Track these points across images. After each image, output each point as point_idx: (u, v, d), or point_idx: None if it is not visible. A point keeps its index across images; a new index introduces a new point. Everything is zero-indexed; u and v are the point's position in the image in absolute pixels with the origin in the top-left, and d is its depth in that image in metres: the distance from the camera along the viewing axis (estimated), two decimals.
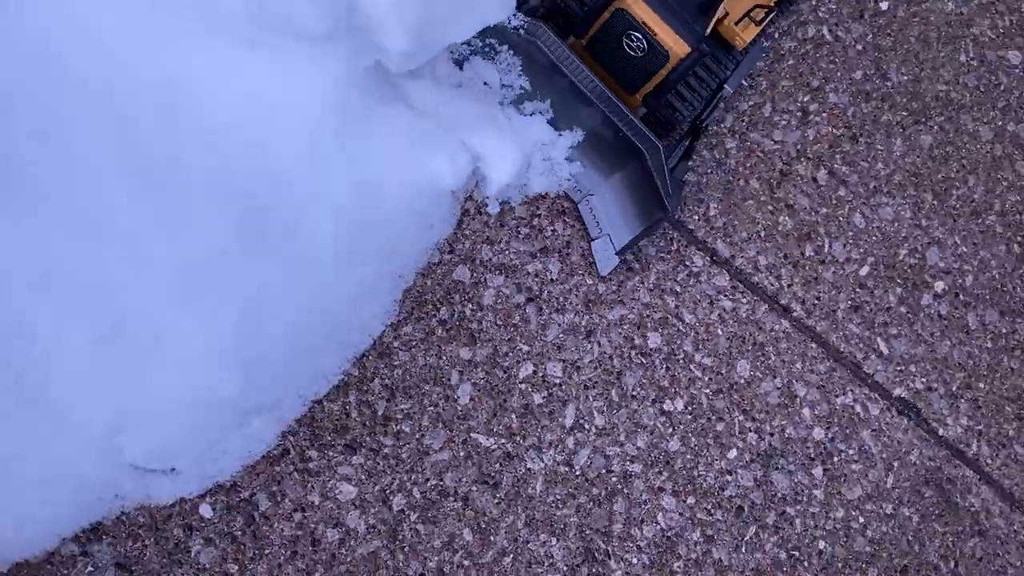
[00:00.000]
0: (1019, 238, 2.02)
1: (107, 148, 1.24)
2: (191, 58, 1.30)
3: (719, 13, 1.55)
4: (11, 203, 1.17)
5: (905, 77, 2.02)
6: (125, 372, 1.26)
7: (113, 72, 1.26)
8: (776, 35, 1.93)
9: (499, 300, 1.67)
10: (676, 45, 1.55)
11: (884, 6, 2.04)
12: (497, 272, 1.68)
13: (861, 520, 1.78)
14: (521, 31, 1.55)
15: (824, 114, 1.93)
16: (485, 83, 1.73)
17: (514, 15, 1.53)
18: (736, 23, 1.59)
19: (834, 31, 1.98)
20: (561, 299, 1.70)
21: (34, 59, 1.27)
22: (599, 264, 1.69)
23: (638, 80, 1.62)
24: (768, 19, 1.62)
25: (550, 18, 1.63)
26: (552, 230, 1.73)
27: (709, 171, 1.83)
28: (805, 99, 1.92)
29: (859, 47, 1.99)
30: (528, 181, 1.69)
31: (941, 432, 1.87)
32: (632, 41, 1.56)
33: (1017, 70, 2.12)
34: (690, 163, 1.77)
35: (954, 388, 1.90)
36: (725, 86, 1.68)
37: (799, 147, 1.89)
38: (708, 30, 1.54)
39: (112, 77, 1.24)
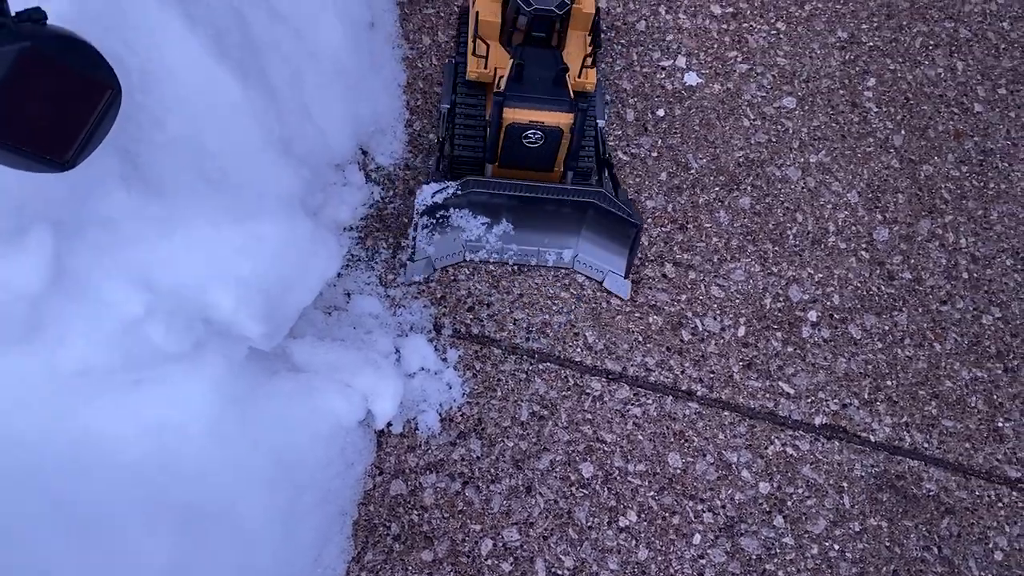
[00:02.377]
0: (863, 245, 2.23)
1: (39, 517, 1.41)
2: (89, 418, 1.49)
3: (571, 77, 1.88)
4: None
5: (704, 160, 2.27)
6: None
7: (28, 456, 1.45)
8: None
9: (439, 496, 1.81)
10: (562, 120, 1.84)
11: (661, 113, 2.32)
12: (428, 472, 1.83)
13: (836, 547, 1.87)
14: (458, 193, 1.85)
15: (648, 220, 2.16)
16: (371, 314, 1.96)
17: (446, 187, 1.86)
18: (579, 77, 1.93)
19: (627, 150, 2.25)
20: (493, 470, 1.85)
21: None
22: (620, 293, 2.03)
23: (549, 160, 1.92)
24: (595, 58, 1.96)
25: (468, 171, 1.99)
26: (461, 415, 1.90)
27: (573, 306, 2.03)
28: None
29: (654, 154, 2.26)
30: (422, 399, 1.88)
31: (872, 438, 2.00)
32: (530, 139, 1.86)
33: (796, 111, 2.40)
34: (621, 186, 2.06)
35: (866, 396, 2.04)
36: (598, 122, 2.05)
37: (639, 255, 2.11)
38: (572, 94, 1.86)
39: (25, 463, 1.43)
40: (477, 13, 1.91)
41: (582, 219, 1.98)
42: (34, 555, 1.42)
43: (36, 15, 1.29)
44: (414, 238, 1.93)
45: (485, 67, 1.93)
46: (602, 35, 2.31)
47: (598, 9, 1.97)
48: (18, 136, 1.30)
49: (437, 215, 1.92)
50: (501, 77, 1.88)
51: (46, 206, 1.41)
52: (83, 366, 1.48)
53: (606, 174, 2.04)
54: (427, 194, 1.86)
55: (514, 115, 1.83)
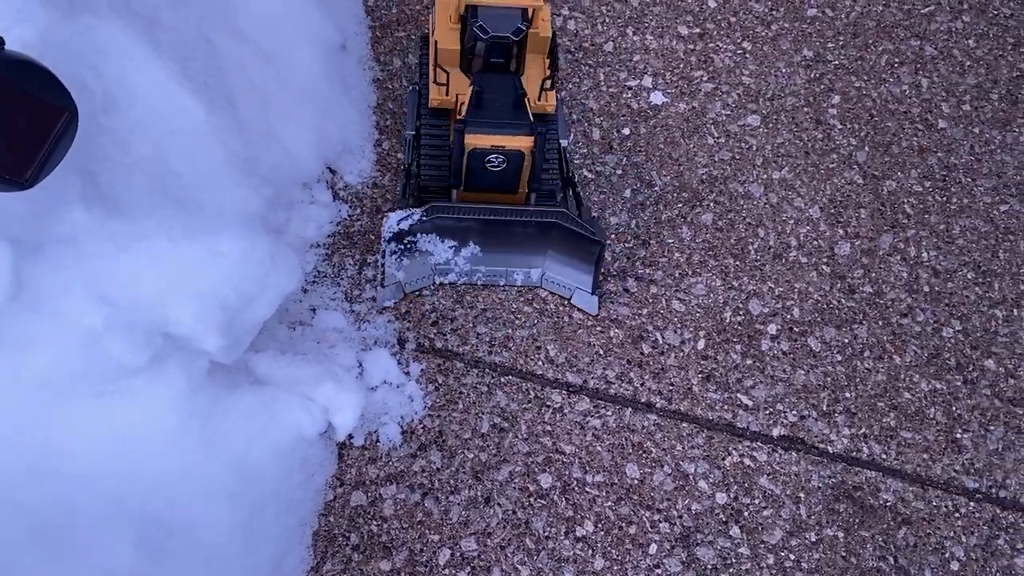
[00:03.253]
0: (824, 259, 2.26)
1: (4, 522, 1.45)
2: (52, 428, 1.54)
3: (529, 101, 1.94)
4: None
5: (668, 177, 2.32)
6: None
7: None
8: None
9: (398, 506, 1.85)
10: (523, 143, 1.89)
11: (626, 131, 2.37)
12: (389, 483, 1.87)
13: (792, 557, 1.90)
14: (423, 219, 1.91)
15: (612, 236, 2.20)
16: (335, 329, 2.01)
17: (413, 214, 1.90)
18: (539, 100, 1.98)
19: (592, 168, 2.29)
20: (452, 481, 1.89)
21: None
22: (588, 309, 2.08)
23: (512, 183, 1.97)
24: (554, 81, 2.01)
25: (435, 196, 2.04)
26: (423, 427, 1.93)
27: (536, 321, 2.07)
28: None
29: (619, 172, 2.30)
30: (384, 412, 1.92)
31: (830, 450, 2.02)
32: (492, 163, 1.92)
33: (760, 129, 2.44)
34: (584, 204, 2.11)
35: (824, 407, 2.07)
36: (561, 141, 2.09)
37: (602, 270, 2.15)
38: (531, 117, 1.91)
39: None
40: (436, 42, 1.96)
41: (547, 239, 2.02)
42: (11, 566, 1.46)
43: None
44: (383, 265, 1.97)
45: (447, 94, 1.97)
46: (567, 55, 2.38)
47: (554, 33, 2.03)
48: None
49: (405, 241, 1.97)
50: (462, 104, 1.93)
51: (5, 224, 1.46)
52: (45, 378, 1.53)
53: (570, 192, 2.08)
54: (393, 221, 1.91)
55: (476, 140, 1.88)
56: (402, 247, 1.98)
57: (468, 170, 1.94)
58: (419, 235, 1.99)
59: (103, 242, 1.55)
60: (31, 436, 1.55)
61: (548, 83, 1.99)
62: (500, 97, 1.91)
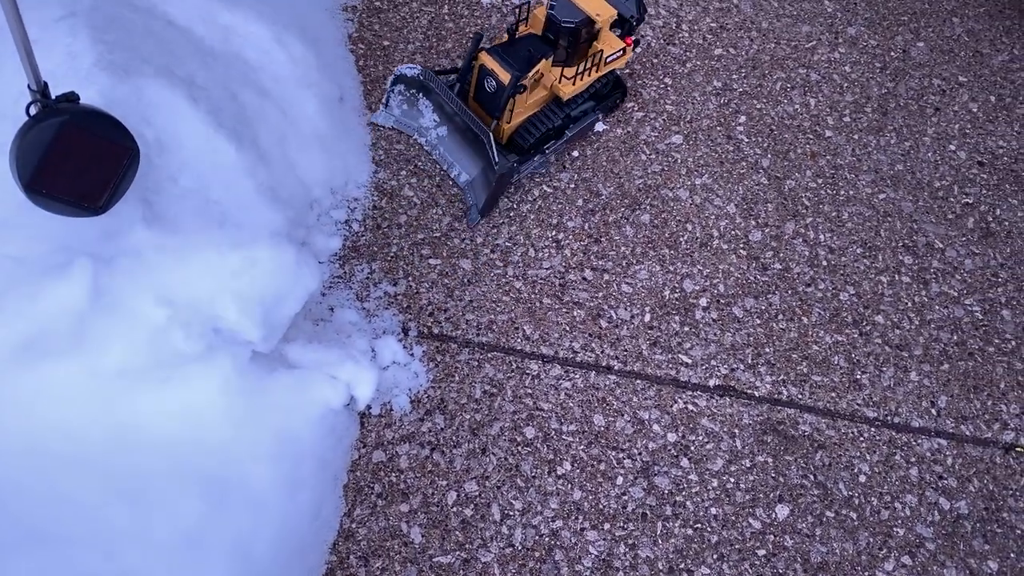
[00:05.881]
0: (741, 245, 2.42)
1: (92, 487, 1.55)
2: (129, 407, 1.64)
3: (539, 67, 2.19)
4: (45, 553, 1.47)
5: (611, 188, 2.47)
6: None
7: (79, 441, 1.59)
8: (552, 160, 2.38)
9: (411, 460, 1.96)
10: (504, 76, 2.15)
11: (575, 154, 2.52)
12: (402, 442, 1.98)
13: (732, 480, 2.03)
14: (420, 76, 2.23)
15: (570, 236, 2.35)
16: (350, 323, 2.12)
17: (415, 68, 2.26)
18: (558, 83, 2.24)
19: (551, 184, 2.44)
20: (455, 438, 2.00)
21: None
22: (470, 221, 2.28)
23: (495, 107, 2.22)
24: (581, 78, 2.28)
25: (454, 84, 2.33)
26: (427, 396, 2.05)
27: (514, 306, 2.20)
28: (552, 233, 2.35)
29: (572, 186, 2.45)
30: (395, 386, 2.03)
31: (756, 394, 2.16)
32: (488, 83, 2.21)
33: (683, 145, 2.61)
34: (543, 164, 2.40)
35: (749, 361, 2.21)
36: (566, 132, 2.39)
37: (564, 264, 2.29)
38: (529, 73, 2.16)
39: (78, 446, 1.58)
40: (532, 13, 2.28)
41: (484, 159, 2.24)
42: (92, 516, 1.55)
43: (71, 96, 1.48)
44: (388, 95, 2.33)
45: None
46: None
47: (621, 80, 2.44)
48: (61, 188, 1.48)
49: (410, 92, 2.31)
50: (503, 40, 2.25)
51: (85, 243, 1.58)
52: (121, 367, 1.63)
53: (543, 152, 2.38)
54: (403, 68, 2.28)
55: (483, 59, 2.19)
56: (408, 95, 2.32)
57: (476, 83, 2.23)
58: (422, 96, 2.30)
59: (163, 255, 1.67)
60: (111, 416, 1.65)
61: (565, 76, 2.25)
62: (523, 51, 2.20)
